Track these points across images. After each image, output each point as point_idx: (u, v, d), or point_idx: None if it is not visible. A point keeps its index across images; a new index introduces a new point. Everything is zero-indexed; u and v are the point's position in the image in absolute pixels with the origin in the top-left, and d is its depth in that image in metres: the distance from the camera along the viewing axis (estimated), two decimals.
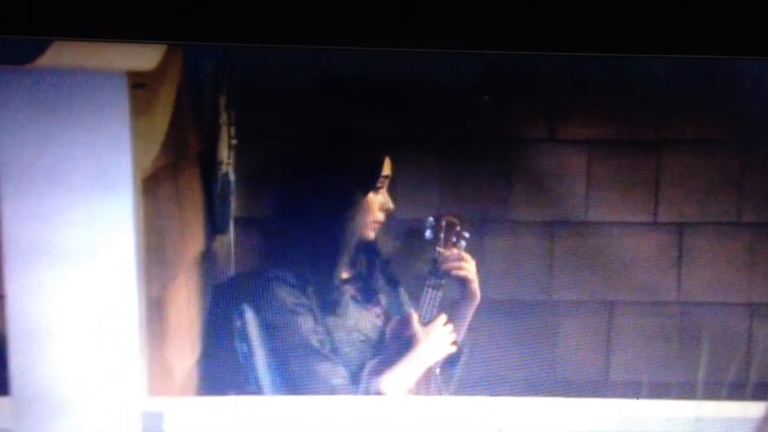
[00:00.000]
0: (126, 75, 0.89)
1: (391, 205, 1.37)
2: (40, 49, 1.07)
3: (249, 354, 1.28)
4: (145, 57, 0.99)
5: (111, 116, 0.89)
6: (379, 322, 1.40)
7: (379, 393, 1.30)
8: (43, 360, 0.95)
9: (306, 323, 1.31)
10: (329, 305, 1.35)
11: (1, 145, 0.90)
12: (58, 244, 0.92)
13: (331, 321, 1.35)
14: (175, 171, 1.13)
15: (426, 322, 1.37)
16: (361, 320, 1.39)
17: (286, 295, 1.32)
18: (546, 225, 1.72)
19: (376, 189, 1.36)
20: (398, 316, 1.38)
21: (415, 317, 1.39)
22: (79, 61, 0.93)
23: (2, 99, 0.89)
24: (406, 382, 1.33)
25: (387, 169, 1.36)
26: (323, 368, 1.30)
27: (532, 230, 1.76)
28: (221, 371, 1.23)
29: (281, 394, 1.24)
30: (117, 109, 0.89)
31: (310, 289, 1.33)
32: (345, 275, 1.38)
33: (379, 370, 1.33)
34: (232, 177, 1.37)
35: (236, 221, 1.40)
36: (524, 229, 1.75)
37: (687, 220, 1.54)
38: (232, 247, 1.37)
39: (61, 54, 0.93)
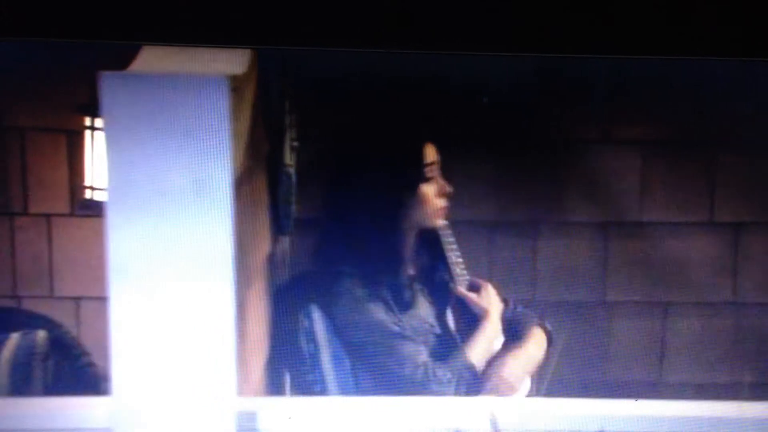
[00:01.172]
0: (228, 78, 0.92)
1: (448, 188, 1.40)
2: (133, 54, 1.10)
3: (335, 352, 1.31)
4: (238, 61, 1.02)
5: (212, 119, 0.92)
6: (450, 306, 1.43)
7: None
8: (142, 362, 0.97)
9: (383, 315, 1.33)
10: (402, 295, 1.37)
11: (108, 150, 0.92)
12: (158, 248, 0.95)
13: (406, 310, 1.37)
14: (250, 173, 1.16)
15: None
16: (433, 305, 1.42)
17: (360, 290, 1.35)
18: (600, 226, 1.75)
19: (426, 178, 1.38)
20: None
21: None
22: (182, 66, 0.96)
23: (109, 103, 0.91)
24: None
25: (431, 155, 1.39)
26: (407, 349, 1.31)
27: (585, 231, 1.78)
28: (308, 370, 1.26)
29: (366, 388, 1.26)
30: (218, 113, 0.92)
31: (384, 282, 1.36)
32: (414, 265, 1.41)
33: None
34: (294, 177, 1.40)
35: (304, 221, 1.42)
36: (578, 230, 1.78)
37: (743, 220, 1.57)
38: (307, 246, 1.40)
39: (162, 58, 0.96)
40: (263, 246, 1.21)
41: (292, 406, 1.04)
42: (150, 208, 0.95)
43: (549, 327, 1.47)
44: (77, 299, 1.89)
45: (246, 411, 1.02)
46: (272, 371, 1.21)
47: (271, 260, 1.28)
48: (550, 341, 1.47)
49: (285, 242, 1.36)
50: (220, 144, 0.94)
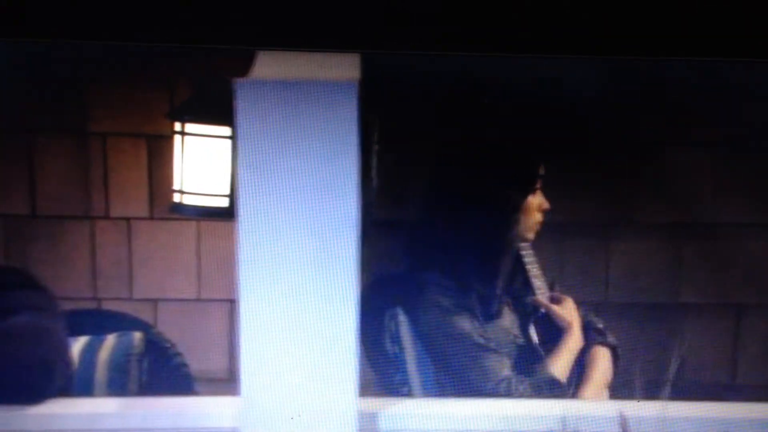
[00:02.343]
0: (357, 84, 0.94)
1: (547, 205, 1.41)
2: (250, 61, 1.13)
3: (421, 356, 1.32)
4: (352, 65, 1.05)
5: (341, 124, 0.94)
6: (533, 318, 1.44)
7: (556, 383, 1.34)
8: (269, 363, 1.00)
9: (468, 325, 1.34)
10: (493, 308, 1.39)
11: (240, 154, 0.95)
12: (286, 250, 0.97)
13: (496, 321, 1.38)
14: None
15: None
16: (517, 317, 1.43)
17: (453, 299, 1.36)
18: (673, 227, 1.75)
19: (534, 190, 1.40)
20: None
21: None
22: (310, 71, 0.98)
23: (242, 109, 0.94)
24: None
25: (542, 170, 1.40)
26: (492, 362, 1.33)
27: (658, 232, 1.78)
28: (429, 372, 1.27)
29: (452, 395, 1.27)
30: (347, 117, 0.94)
31: (475, 292, 1.37)
32: (507, 277, 1.42)
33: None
34: (388, 182, 1.41)
35: (405, 226, 1.44)
36: (651, 232, 1.78)
37: None
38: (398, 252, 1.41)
39: (292, 64, 0.99)
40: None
41: (411, 407, 1.06)
42: (278, 210, 0.98)
43: (615, 341, 1.49)
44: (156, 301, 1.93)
45: (368, 411, 1.04)
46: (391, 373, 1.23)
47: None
48: (617, 355, 1.48)
49: (380, 246, 1.38)
50: (348, 148, 0.96)
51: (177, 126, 1.57)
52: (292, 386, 1.01)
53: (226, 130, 1.58)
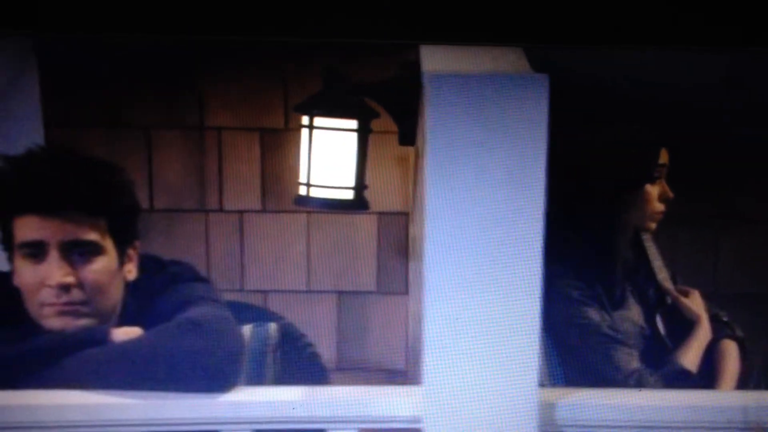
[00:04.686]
0: (548, 77, 0.95)
1: (670, 194, 1.39)
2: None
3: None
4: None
5: (531, 117, 0.95)
6: (660, 310, 1.43)
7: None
8: (451, 352, 1.01)
9: (596, 316, 1.34)
10: (618, 299, 1.38)
11: (429, 146, 0.96)
12: (471, 240, 0.98)
13: (623, 313, 1.38)
14: None
15: None
16: (643, 309, 1.42)
17: (580, 291, 1.36)
18: None
19: (653, 179, 1.38)
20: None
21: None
22: (495, 65, 0.99)
23: (432, 103, 0.95)
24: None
25: (664, 158, 1.38)
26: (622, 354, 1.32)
27: None
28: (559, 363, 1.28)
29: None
30: (538, 110, 0.95)
31: (600, 284, 1.37)
32: (630, 268, 1.42)
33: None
34: None
35: None
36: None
37: None
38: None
39: (481, 58, 1.00)
40: None
41: (589, 397, 1.07)
42: (465, 203, 0.99)
43: (742, 334, 1.47)
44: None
45: (547, 402, 1.05)
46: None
47: None
48: (745, 349, 1.47)
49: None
50: (537, 142, 0.97)
51: (305, 119, 1.59)
52: (474, 376, 1.03)
53: (352, 123, 1.60)
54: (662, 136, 1.44)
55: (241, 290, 1.95)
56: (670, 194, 1.44)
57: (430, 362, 1.03)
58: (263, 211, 1.91)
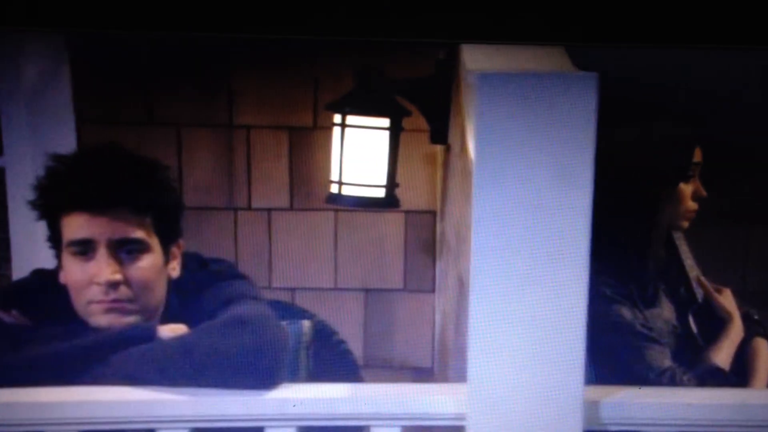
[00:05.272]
0: (597, 77, 0.95)
1: (704, 192, 1.39)
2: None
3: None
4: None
5: (579, 116, 0.95)
6: (692, 308, 1.43)
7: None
8: (497, 350, 1.02)
9: (630, 314, 1.34)
10: (650, 297, 1.38)
11: (478, 144, 0.96)
12: (519, 238, 0.98)
13: (655, 311, 1.38)
14: None
15: None
16: (676, 307, 1.42)
17: (613, 288, 1.35)
18: None
19: (687, 178, 1.38)
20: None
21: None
22: (544, 64, 1.00)
23: (482, 102, 0.95)
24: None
25: (698, 156, 1.38)
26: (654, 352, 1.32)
27: None
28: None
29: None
30: (586, 109, 0.95)
31: (632, 281, 1.36)
32: (662, 266, 1.42)
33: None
34: None
35: None
36: None
37: None
38: None
39: (527, 58, 1.00)
40: None
41: (634, 396, 1.07)
42: (512, 200, 0.99)
43: None
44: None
45: (590, 399, 1.06)
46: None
47: None
48: None
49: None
50: (586, 141, 0.97)
51: (337, 118, 1.59)
52: (519, 374, 1.03)
53: (384, 122, 1.61)
54: (697, 135, 1.44)
55: (268, 288, 1.96)
56: (704, 193, 1.43)
57: (475, 360, 1.03)
58: (291, 209, 1.92)
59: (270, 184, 1.91)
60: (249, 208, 1.91)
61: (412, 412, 1.07)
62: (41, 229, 1.88)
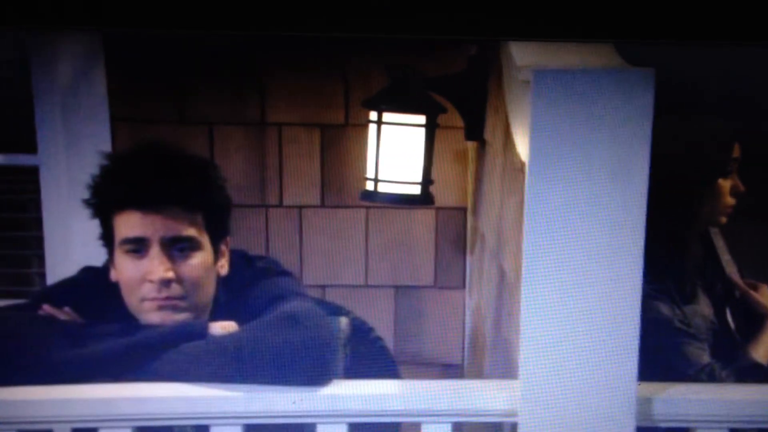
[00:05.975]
0: (653, 73, 0.95)
1: (742, 188, 1.39)
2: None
3: None
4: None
5: (636, 112, 0.95)
6: (730, 304, 1.42)
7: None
8: (549, 346, 1.02)
9: (668, 311, 1.34)
10: (688, 293, 1.37)
11: (532, 140, 0.96)
12: (573, 234, 0.98)
13: (693, 307, 1.37)
14: None
15: None
16: (714, 303, 1.42)
17: (650, 284, 1.35)
18: None
19: (727, 174, 1.37)
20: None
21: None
22: (589, 60, 1.00)
23: (537, 98, 0.95)
24: None
25: (736, 152, 1.38)
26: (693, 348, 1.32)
27: None
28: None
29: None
30: (643, 105, 0.95)
31: (669, 277, 1.36)
32: (699, 262, 1.41)
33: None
34: None
35: None
36: None
37: None
38: None
39: (582, 53, 1.00)
40: None
41: (687, 391, 1.07)
42: (566, 196, 0.99)
43: None
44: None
45: (644, 397, 1.06)
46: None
47: None
48: None
49: None
50: (641, 137, 0.97)
51: (372, 115, 1.60)
52: (571, 370, 1.03)
53: (420, 119, 1.61)
54: (736, 130, 1.44)
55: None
56: (742, 188, 1.43)
57: (527, 356, 1.03)
58: (322, 206, 1.92)
59: (301, 182, 1.92)
60: (280, 205, 1.92)
61: (463, 409, 1.07)
62: (74, 227, 1.91)
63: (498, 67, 1.43)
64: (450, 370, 2.00)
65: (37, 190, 1.82)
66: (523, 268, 1.02)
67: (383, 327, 2.02)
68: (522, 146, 1.09)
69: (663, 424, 1.06)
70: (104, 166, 1.08)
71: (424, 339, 2.00)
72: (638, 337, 1.04)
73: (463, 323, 2.00)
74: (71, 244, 1.85)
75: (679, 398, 1.05)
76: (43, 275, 1.88)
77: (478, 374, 1.85)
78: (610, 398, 1.04)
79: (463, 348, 2.01)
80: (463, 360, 2.00)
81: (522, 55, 1.13)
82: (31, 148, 1.80)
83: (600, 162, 0.99)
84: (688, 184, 1.43)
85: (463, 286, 1.97)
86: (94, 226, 1.84)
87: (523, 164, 1.12)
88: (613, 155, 0.99)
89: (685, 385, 1.08)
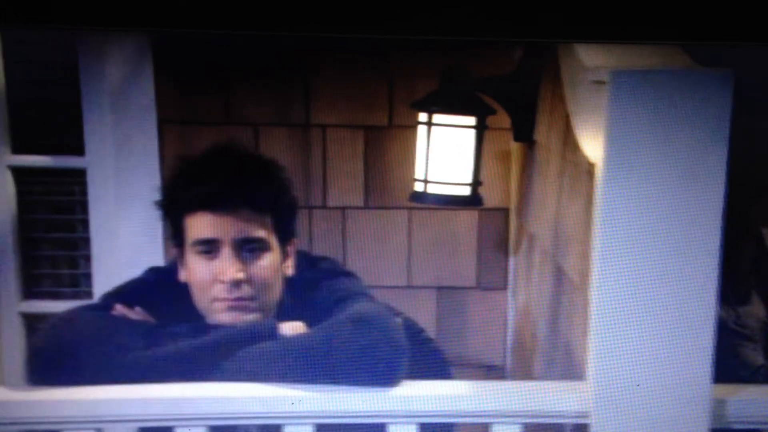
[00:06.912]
0: (733, 74, 0.94)
1: None
2: None
3: None
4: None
5: (714, 113, 0.94)
6: None
7: None
8: (620, 347, 1.01)
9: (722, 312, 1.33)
10: (742, 294, 1.36)
11: (608, 141, 0.96)
12: (646, 235, 0.98)
13: (747, 308, 1.36)
14: None
15: None
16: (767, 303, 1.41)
17: None
18: None
19: None
20: None
21: None
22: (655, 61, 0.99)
23: (614, 99, 0.95)
24: None
25: None
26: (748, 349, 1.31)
27: None
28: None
29: None
30: (721, 107, 0.94)
31: (723, 278, 1.35)
32: (753, 263, 1.40)
33: None
34: None
35: None
36: None
37: None
38: None
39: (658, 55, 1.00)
40: None
41: (758, 393, 1.06)
42: (641, 197, 0.99)
43: None
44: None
45: (718, 398, 1.05)
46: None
47: None
48: None
49: None
50: (719, 138, 0.97)
51: (422, 116, 1.60)
52: (644, 371, 1.03)
53: (470, 120, 1.60)
54: None
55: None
56: None
57: (597, 357, 1.03)
58: (366, 207, 1.93)
59: (345, 183, 1.92)
60: (324, 206, 1.92)
61: (534, 410, 1.07)
62: (121, 228, 1.92)
63: (554, 68, 1.42)
64: (492, 371, 1.99)
65: (84, 192, 1.83)
66: (593, 270, 1.02)
67: (426, 328, 2.02)
68: (590, 147, 1.09)
69: (737, 426, 1.06)
70: (177, 168, 1.09)
71: (466, 340, 1.99)
72: (714, 339, 1.03)
73: (506, 324, 1.99)
74: (118, 245, 1.86)
75: (754, 399, 1.05)
76: (89, 276, 1.89)
77: (525, 376, 1.84)
78: (684, 400, 1.03)
79: (505, 349, 2.00)
80: (505, 361, 2.00)
81: (590, 56, 1.13)
82: (79, 150, 1.81)
83: (677, 163, 0.99)
84: (742, 184, 1.42)
85: (506, 287, 1.97)
86: (140, 228, 1.86)
87: (591, 165, 1.12)
88: (690, 157, 0.98)
89: (760, 387, 1.07)
